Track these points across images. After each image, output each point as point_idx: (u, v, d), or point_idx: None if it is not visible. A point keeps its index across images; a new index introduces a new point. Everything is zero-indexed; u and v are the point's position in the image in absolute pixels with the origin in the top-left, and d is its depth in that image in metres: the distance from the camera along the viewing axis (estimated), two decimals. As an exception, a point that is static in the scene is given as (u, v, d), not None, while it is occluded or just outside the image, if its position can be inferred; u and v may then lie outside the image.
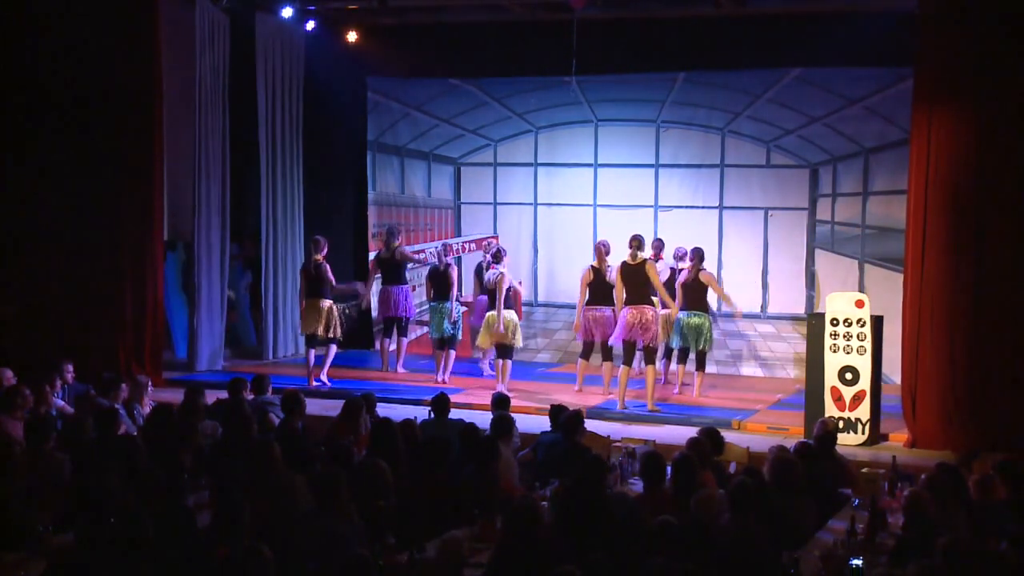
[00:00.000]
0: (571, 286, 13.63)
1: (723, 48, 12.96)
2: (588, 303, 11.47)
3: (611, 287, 11.17)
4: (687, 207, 13.66)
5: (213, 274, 12.86)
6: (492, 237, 13.75)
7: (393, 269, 12.58)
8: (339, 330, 11.93)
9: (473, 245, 14.52)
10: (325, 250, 11.92)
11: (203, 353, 12.76)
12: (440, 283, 12.35)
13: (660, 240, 12.57)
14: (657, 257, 12.00)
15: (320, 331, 11.82)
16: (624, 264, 10.88)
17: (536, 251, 14.34)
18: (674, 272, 11.99)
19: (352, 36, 13.97)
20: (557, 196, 14.30)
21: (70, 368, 9.60)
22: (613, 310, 11.10)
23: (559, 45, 12.38)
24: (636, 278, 10.79)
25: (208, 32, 12.62)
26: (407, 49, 14.11)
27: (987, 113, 9.62)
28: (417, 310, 13.42)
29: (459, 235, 14.75)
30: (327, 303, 11.86)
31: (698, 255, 11.68)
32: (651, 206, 13.78)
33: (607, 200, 13.96)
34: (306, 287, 11.93)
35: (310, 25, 13.80)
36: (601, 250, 11.39)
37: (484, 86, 14.45)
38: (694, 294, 11.61)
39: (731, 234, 13.57)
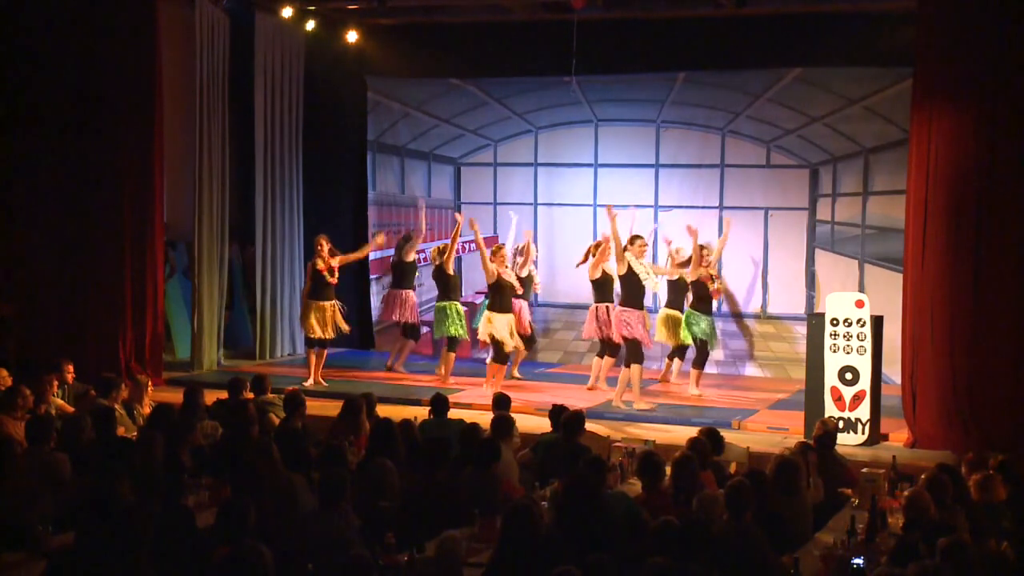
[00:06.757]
0: (571, 286, 13.68)
1: (723, 48, 12.98)
2: (596, 300, 11.45)
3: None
4: (687, 207, 13.64)
5: (213, 274, 12.86)
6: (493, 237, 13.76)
7: (406, 274, 12.69)
8: (332, 330, 11.92)
9: (473, 246, 14.48)
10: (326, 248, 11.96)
11: (204, 353, 12.74)
12: (441, 282, 12.35)
13: None
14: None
15: (324, 334, 11.86)
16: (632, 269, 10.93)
17: (536, 251, 14.30)
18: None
19: (352, 36, 13.98)
20: (557, 196, 14.30)
21: (70, 368, 9.60)
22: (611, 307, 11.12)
23: (559, 45, 12.39)
24: (638, 285, 10.82)
25: (208, 32, 12.61)
26: (407, 49, 14.12)
27: (987, 113, 9.60)
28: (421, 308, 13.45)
29: (459, 235, 14.69)
30: (328, 304, 11.87)
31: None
32: (651, 206, 13.77)
33: (607, 200, 13.89)
34: (311, 288, 11.97)
35: (310, 25, 13.80)
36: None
37: (484, 86, 14.45)
38: (700, 293, 11.81)
39: (731, 234, 13.52)
